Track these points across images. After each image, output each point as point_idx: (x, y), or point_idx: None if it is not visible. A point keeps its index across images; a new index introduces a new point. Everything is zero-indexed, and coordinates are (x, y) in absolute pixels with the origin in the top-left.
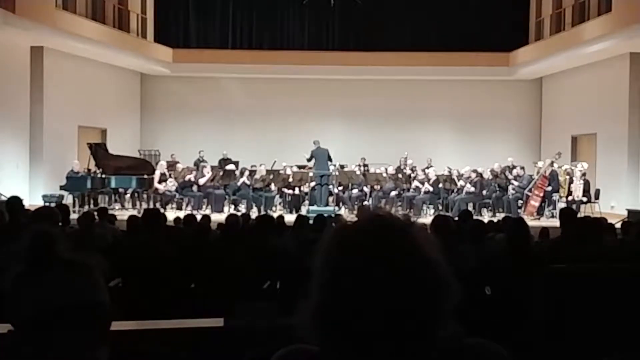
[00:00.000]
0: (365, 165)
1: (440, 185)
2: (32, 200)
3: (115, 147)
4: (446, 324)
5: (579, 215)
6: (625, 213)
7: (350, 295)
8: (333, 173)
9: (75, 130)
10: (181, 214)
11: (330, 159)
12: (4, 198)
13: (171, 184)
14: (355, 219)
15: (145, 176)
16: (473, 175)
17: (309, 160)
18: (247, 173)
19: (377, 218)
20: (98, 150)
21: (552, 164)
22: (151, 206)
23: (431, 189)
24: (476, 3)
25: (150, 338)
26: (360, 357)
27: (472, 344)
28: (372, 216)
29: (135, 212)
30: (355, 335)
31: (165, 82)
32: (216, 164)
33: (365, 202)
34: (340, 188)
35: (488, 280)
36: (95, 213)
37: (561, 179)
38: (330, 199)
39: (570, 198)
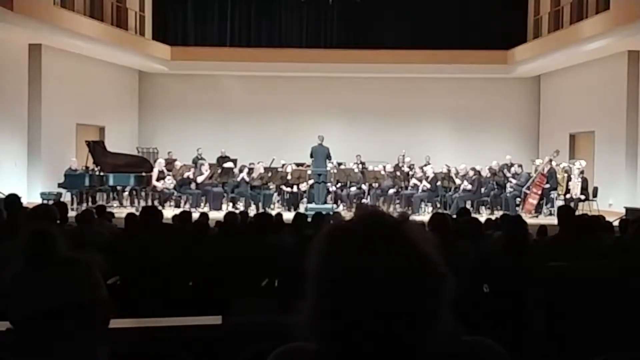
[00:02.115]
0: (361, 163)
1: (438, 183)
2: (30, 198)
3: (114, 144)
4: (444, 319)
5: (577, 213)
6: (623, 211)
7: (347, 295)
8: (331, 171)
9: (74, 127)
10: (179, 212)
11: (329, 158)
12: (2, 196)
13: (169, 182)
14: (339, 221)
15: (144, 174)
16: (471, 173)
17: (311, 156)
18: (245, 170)
19: (370, 216)
20: (96, 148)
21: (550, 161)
22: (149, 204)
23: (429, 186)
24: (474, 1)
25: (149, 335)
26: (360, 355)
27: (470, 341)
28: (364, 214)
29: (133, 210)
30: (354, 334)
31: (164, 79)
32: (214, 161)
33: (364, 200)
34: (339, 186)
35: (486, 277)
36: (94, 211)
37: (559, 176)
38: (329, 196)
39: (568, 196)
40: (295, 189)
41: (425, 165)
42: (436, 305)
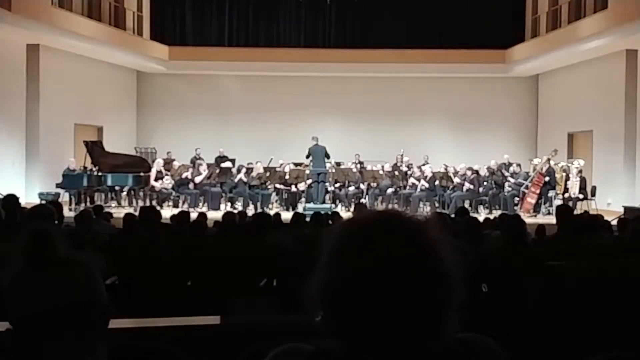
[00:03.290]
0: (360, 162)
1: (437, 182)
2: (28, 198)
3: (112, 144)
4: (451, 322)
5: (575, 212)
6: (622, 210)
7: (363, 294)
8: (330, 170)
9: (72, 127)
10: (177, 212)
11: (327, 157)
12: (0, 196)
13: (167, 182)
14: (357, 216)
15: (142, 174)
16: (469, 172)
17: (307, 157)
18: (243, 170)
19: (390, 213)
20: (94, 148)
21: (548, 161)
22: (147, 204)
23: (427, 186)
24: (473, 0)
25: (147, 335)
26: (371, 354)
27: (466, 338)
28: (384, 212)
29: (131, 210)
30: (366, 333)
31: (162, 79)
32: (213, 161)
33: (362, 200)
34: (337, 185)
35: (484, 277)
36: (92, 211)
37: (557, 176)
38: (327, 196)
39: (566, 195)
40: (293, 188)
41: (424, 164)
42: (448, 307)
